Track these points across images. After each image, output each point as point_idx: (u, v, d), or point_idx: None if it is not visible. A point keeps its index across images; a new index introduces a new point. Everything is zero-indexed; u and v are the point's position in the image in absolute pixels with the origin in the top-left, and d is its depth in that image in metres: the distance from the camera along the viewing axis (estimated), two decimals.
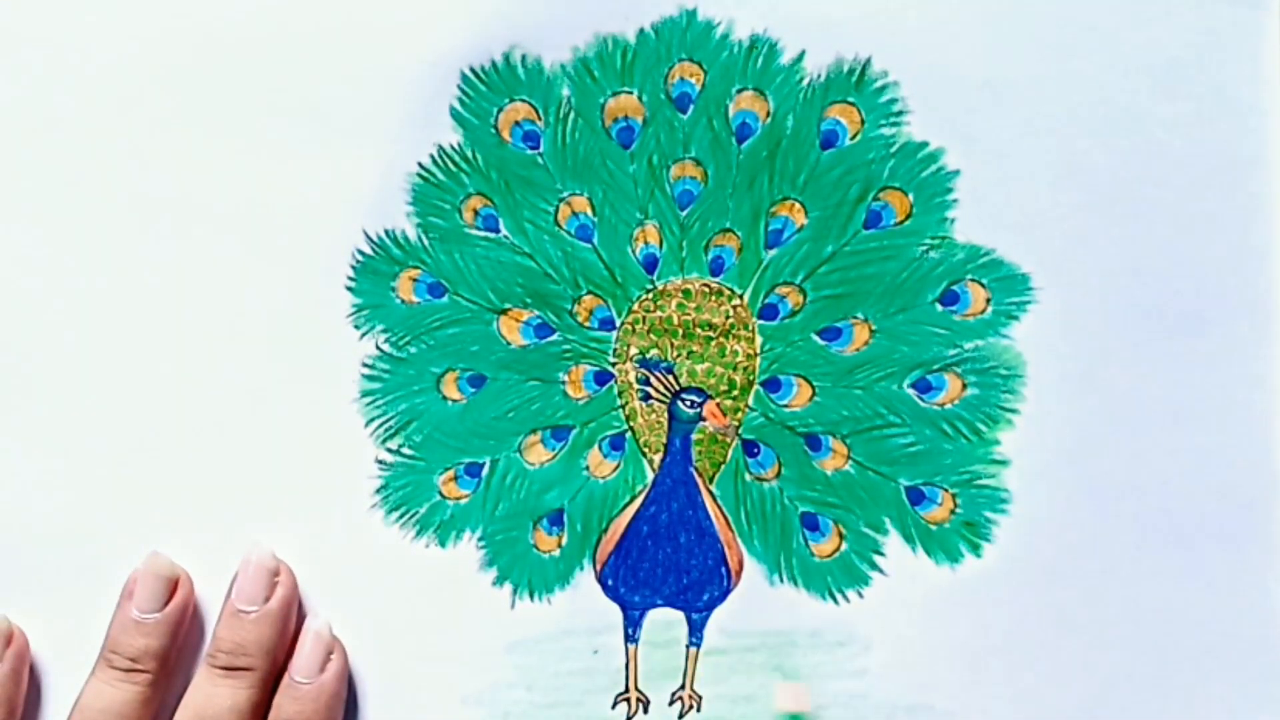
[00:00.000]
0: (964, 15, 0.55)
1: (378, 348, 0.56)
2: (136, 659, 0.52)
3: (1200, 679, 0.55)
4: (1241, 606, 0.55)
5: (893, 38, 0.55)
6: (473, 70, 0.55)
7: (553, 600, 0.56)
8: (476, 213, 0.56)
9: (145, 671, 0.52)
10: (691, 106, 0.55)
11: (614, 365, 0.56)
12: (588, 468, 0.56)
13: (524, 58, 0.55)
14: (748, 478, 0.56)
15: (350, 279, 0.56)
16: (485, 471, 0.56)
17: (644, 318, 0.56)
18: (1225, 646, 0.55)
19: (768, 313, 0.56)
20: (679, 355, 0.56)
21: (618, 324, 0.56)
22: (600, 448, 0.56)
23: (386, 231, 0.56)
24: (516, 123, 0.56)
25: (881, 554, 0.56)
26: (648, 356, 0.56)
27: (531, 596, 0.56)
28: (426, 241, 0.56)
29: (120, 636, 0.53)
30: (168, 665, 0.53)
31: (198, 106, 0.56)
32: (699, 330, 0.56)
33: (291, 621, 0.54)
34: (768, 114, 0.55)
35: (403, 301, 0.56)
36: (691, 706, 0.56)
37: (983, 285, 0.56)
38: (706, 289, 0.56)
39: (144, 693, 0.52)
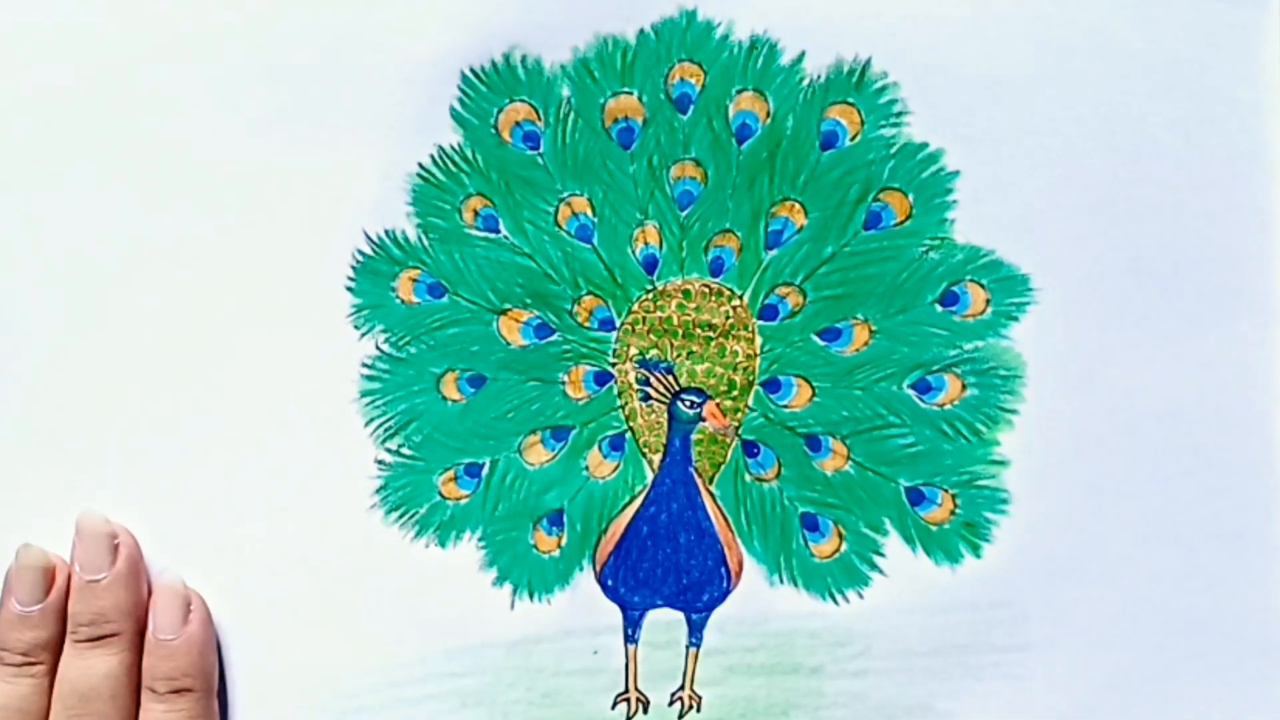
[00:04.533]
0: (964, 16, 0.55)
1: (377, 348, 0.56)
2: (28, 652, 0.53)
3: (1200, 679, 0.55)
4: (1241, 606, 0.55)
5: (893, 39, 0.55)
6: (473, 70, 0.55)
7: (552, 600, 0.56)
8: (476, 213, 0.56)
9: (39, 663, 0.53)
10: (691, 107, 0.55)
11: (614, 365, 0.56)
12: (587, 468, 0.56)
13: (524, 58, 0.55)
14: (747, 478, 0.56)
15: (350, 279, 0.56)
16: (485, 472, 0.56)
17: (644, 318, 0.56)
18: (1225, 646, 0.55)
19: (767, 313, 0.56)
20: (679, 356, 0.56)
21: (617, 324, 0.56)
22: (600, 448, 0.56)
23: (386, 232, 0.56)
24: (516, 123, 0.56)
25: (881, 554, 0.56)
26: (647, 357, 0.56)
27: (531, 597, 0.56)
28: (426, 242, 0.56)
29: (8, 634, 0.53)
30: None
31: (197, 106, 0.56)
32: (699, 331, 0.56)
33: (143, 580, 0.55)
34: (768, 114, 0.55)
35: (403, 302, 0.56)
36: (691, 707, 0.56)
37: (982, 286, 0.55)
38: (706, 289, 0.56)
39: (42, 684, 0.53)
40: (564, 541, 0.56)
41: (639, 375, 0.56)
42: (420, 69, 0.55)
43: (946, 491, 0.56)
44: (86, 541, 0.54)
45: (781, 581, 0.56)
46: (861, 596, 0.56)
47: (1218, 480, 0.56)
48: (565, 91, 0.55)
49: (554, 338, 0.56)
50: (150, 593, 0.55)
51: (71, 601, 0.53)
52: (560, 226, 0.56)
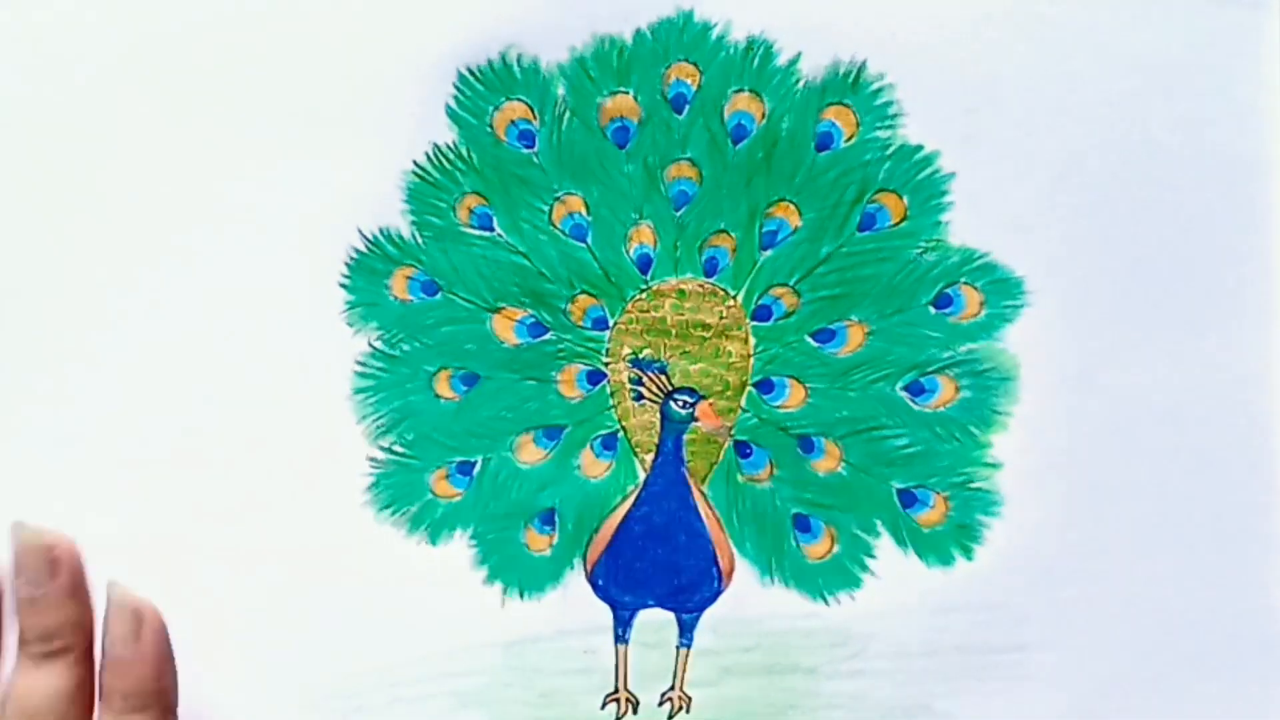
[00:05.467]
0: (962, 17, 0.55)
1: (371, 345, 0.56)
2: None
3: (1199, 679, 0.55)
4: (1241, 606, 0.55)
5: (889, 40, 0.55)
6: (469, 69, 0.55)
7: (544, 600, 0.56)
8: (471, 211, 0.56)
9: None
10: (687, 107, 0.55)
11: (607, 365, 0.56)
12: (580, 467, 0.56)
13: (520, 57, 0.55)
14: (740, 479, 0.56)
15: (345, 276, 0.56)
16: (477, 470, 0.56)
17: (638, 318, 0.56)
18: (1225, 646, 0.55)
19: (762, 314, 0.56)
20: (672, 355, 0.56)
21: (611, 324, 0.56)
22: (592, 447, 0.56)
23: (381, 229, 0.56)
24: (512, 122, 0.56)
25: (873, 556, 0.56)
26: (641, 356, 0.56)
27: (522, 596, 0.56)
28: (421, 240, 0.56)
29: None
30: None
31: (193, 105, 0.56)
32: (693, 331, 0.56)
33: (89, 590, 0.53)
34: (764, 115, 0.55)
35: (397, 299, 0.56)
36: (681, 707, 0.56)
37: (977, 288, 0.55)
38: (701, 289, 0.56)
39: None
40: (555, 541, 0.56)
41: (632, 375, 0.56)
42: (416, 68, 0.55)
43: (939, 494, 0.56)
44: (25, 556, 0.52)
45: (773, 583, 0.56)
46: (853, 598, 0.56)
47: (1216, 480, 0.56)
48: (561, 91, 0.55)
49: (548, 336, 0.56)
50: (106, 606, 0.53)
51: (20, 616, 0.52)
52: (555, 225, 0.56)
